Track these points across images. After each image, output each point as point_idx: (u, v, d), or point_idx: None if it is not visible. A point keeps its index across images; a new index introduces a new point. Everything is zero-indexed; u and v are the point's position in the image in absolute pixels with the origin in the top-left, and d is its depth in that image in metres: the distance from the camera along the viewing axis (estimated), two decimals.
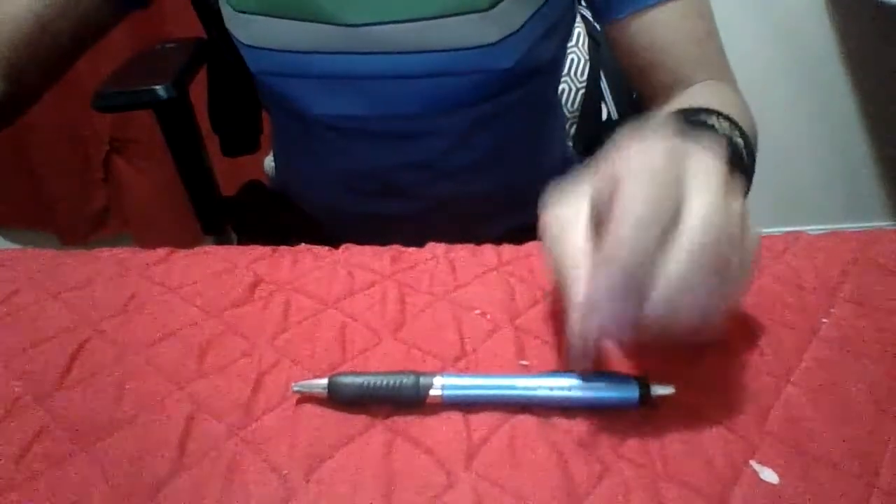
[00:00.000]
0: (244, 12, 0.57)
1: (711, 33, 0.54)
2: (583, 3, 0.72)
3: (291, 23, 0.55)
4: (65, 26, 0.56)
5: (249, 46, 0.60)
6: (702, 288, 0.27)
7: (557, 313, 0.37)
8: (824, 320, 0.36)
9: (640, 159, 0.28)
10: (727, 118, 0.42)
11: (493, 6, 0.52)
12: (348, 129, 0.63)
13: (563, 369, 0.33)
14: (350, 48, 0.56)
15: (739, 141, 0.41)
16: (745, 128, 0.45)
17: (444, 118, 0.61)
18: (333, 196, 0.70)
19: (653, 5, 0.51)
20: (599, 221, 0.29)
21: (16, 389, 0.33)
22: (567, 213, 0.31)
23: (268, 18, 0.56)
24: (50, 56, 0.57)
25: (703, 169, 0.28)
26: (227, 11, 0.59)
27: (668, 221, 0.26)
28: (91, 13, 0.57)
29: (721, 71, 0.55)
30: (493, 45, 0.55)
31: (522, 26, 0.55)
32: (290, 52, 0.58)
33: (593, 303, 0.27)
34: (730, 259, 0.27)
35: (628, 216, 0.26)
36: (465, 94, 0.59)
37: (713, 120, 0.41)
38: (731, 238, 0.27)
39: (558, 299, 0.31)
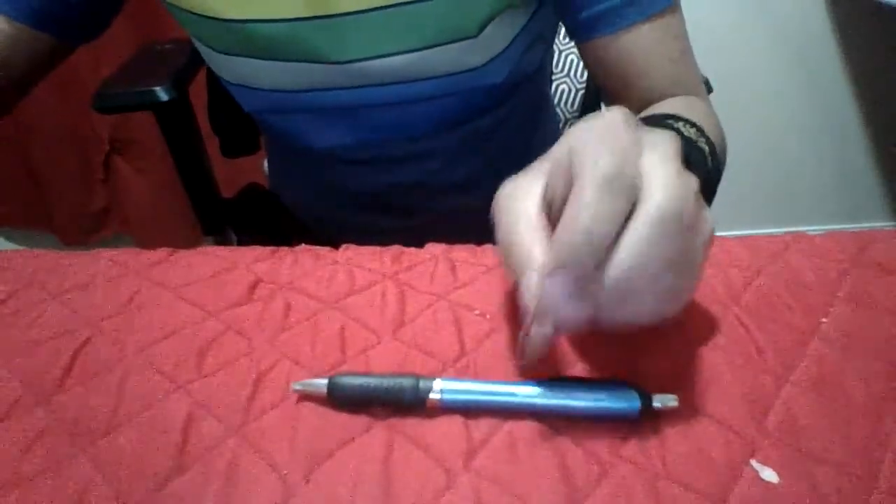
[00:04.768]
0: (225, 53, 0.56)
1: (685, 52, 0.53)
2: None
3: (278, 63, 0.54)
4: (19, 62, 0.55)
5: (235, 85, 0.59)
6: (660, 258, 0.25)
7: None
8: (824, 320, 0.36)
9: (597, 128, 0.27)
10: (694, 125, 0.42)
11: (480, 32, 0.52)
12: (341, 156, 0.63)
13: (562, 373, 0.33)
14: (340, 83, 0.55)
15: (705, 148, 0.41)
16: (713, 137, 0.44)
17: (437, 138, 0.61)
18: (328, 211, 0.71)
19: (626, 27, 0.50)
20: (552, 200, 0.28)
21: (16, 389, 0.33)
22: (520, 186, 0.30)
23: (252, 60, 0.55)
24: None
25: (660, 141, 0.28)
26: (205, 51, 0.58)
27: (631, 184, 0.25)
28: (37, 52, 0.56)
29: (694, 88, 0.54)
30: (481, 66, 0.54)
31: (508, 45, 0.55)
32: (279, 91, 0.57)
33: (553, 272, 0.25)
34: (688, 231, 0.26)
35: (592, 178, 0.25)
36: (457, 113, 0.59)
37: (680, 125, 0.41)
38: (690, 208, 0.26)
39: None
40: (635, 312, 0.27)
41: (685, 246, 0.26)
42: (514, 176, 0.31)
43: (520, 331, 0.28)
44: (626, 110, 0.28)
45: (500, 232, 0.29)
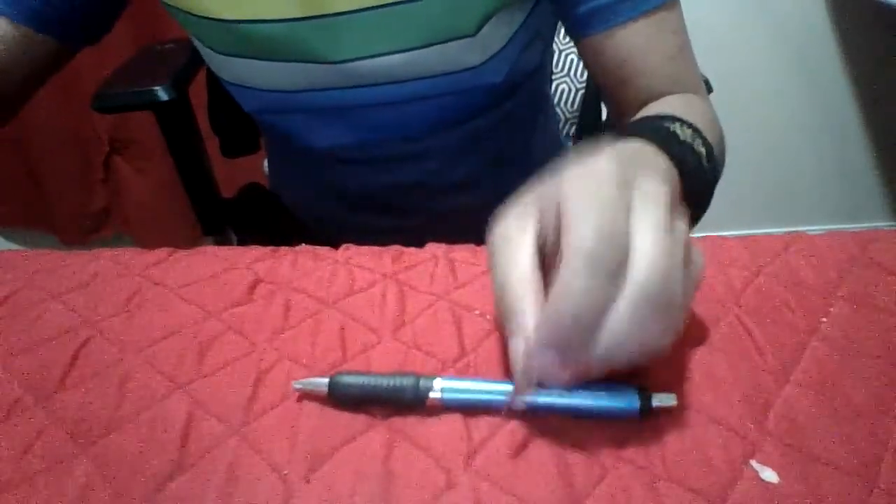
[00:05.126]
0: (224, 54, 0.56)
1: (684, 48, 0.53)
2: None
3: (276, 63, 0.55)
4: (24, 66, 0.55)
5: (234, 85, 0.60)
6: (645, 331, 0.26)
7: None
8: (824, 320, 0.36)
9: (586, 186, 0.27)
10: (691, 126, 0.42)
11: (477, 31, 0.52)
12: (340, 156, 0.63)
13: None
14: (338, 83, 0.55)
15: (702, 150, 0.41)
16: (710, 138, 0.44)
17: (436, 138, 0.61)
18: (328, 211, 0.71)
19: (624, 23, 0.49)
20: (543, 243, 0.29)
21: (16, 389, 0.33)
22: (513, 232, 0.30)
23: (251, 60, 0.55)
24: (3, 98, 0.56)
25: (650, 199, 0.28)
26: (205, 51, 0.58)
27: (618, 260, 0.26)
28: (42, 55, 0.56)
29: (692, 85, 0.53)
30: (480, 65, 0.54)
31: (506, 44, 0.55)
32: (276, 91, 0.57)
33: (540, 348, 0.26)
34: (673, 301, 0.27)
35: (577, 259, 0.25)
36: (455, 113, 0.59)
37: (676, 126, 0.41)
38: (677, 275, 0.27)
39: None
40: (617, 369, 0.28)
41: (671, 309, 0.27)
42: (506, 209, 0.31)
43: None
44: (620, 153, 0.29)
45: (495, 279, 0.30)
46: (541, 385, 0.29)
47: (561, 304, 0.25)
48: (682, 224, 0.29)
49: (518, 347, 0.28)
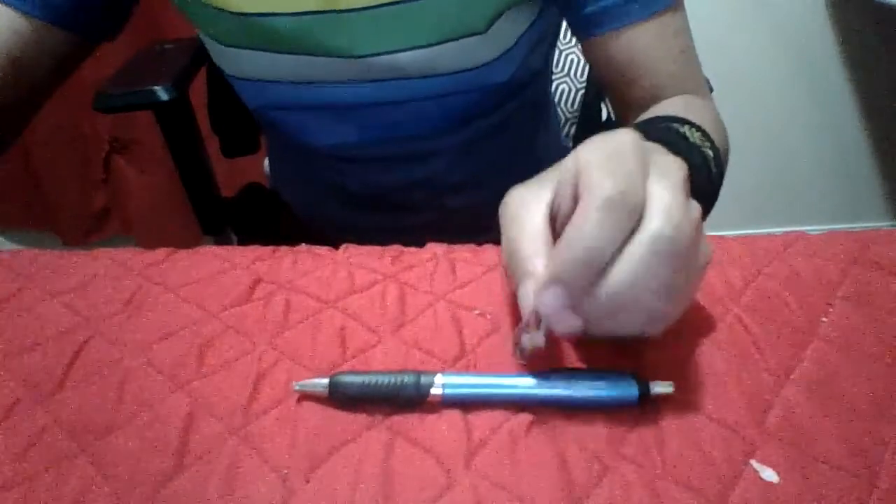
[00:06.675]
0: (231, 46, 0.56)
1: (687, 50, 0.53)
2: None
3: (284, 56, 0.54)
4: (42, 63, 0.54)
5: (242, 80, 0.59)
6: (652, 283, 0.26)
7: None
8: (824, 320, 0.36)
9: (607, 148, 0.28)
10: (699, 129, 0.42)
11: (488, 28, 0.52)
12: (346, 154, 0.63)
13: (562, 366, 0.33)
14: (351, 78, 0.56)
15: (709, 153, 0.41)
16: (717, 141, 0.44)
17: (442, 137, 0.61)
18: (328, 210, 0.71)
19: (630, 24, 0.50)
20: (558, 210, 0.29)
21: (16, 389, 0.33)
22: (528, 195, 0.31)
23: (261, 52, 0.55)
24: (22, 97, 0.54)
25: (668, 164, 0.28)
26: (212, 45, 0.58)
27: (632, 210, 0.26)
28: (60, 51, 0.54)
29: (697, 87, 0.54)
30: (488, 63, 0.55)
31: (516, 42, 0.56)
32: (287, 84, 0.57)
33: (549, 285, 0.27)
34: (683, 260, 0.27)
35: (595, 199, 0.26)
36: (464, 111, 0.59)
37: (685, 129, 0.41)
38: (688, 239, 0.27)
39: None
40: (620, 327, 0.29)
41: (678, 272, 0.27)
42: (523, 182, 0.32)
43: (516, 326, 0.30)
44: (637, 133, 0.29)
45: (506, 238, 0.30)
46: (550, 329, 0.28)
47: (573, 240, 0.26)
48: (695, 204, 0.29)
49: (527, 289, 0.28)
